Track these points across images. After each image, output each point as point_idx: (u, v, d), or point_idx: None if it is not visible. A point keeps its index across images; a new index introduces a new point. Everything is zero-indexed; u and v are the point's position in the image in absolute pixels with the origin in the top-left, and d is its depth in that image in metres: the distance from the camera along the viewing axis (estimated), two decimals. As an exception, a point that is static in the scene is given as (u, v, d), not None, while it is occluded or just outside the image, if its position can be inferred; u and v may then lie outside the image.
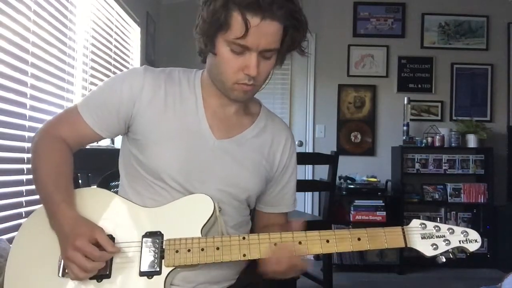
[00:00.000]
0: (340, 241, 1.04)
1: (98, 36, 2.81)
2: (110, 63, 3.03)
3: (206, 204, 1.07)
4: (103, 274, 1.02)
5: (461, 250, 1.07)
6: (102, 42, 2.89)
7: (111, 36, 3.06)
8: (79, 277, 0.98)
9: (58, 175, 1.08)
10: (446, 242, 1.06)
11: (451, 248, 1.06)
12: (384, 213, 3.87)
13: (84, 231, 0.99)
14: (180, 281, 1.08)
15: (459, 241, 1.06)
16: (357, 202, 3.94)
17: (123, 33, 3.35)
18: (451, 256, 1.07)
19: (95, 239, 0.98)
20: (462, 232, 1.06)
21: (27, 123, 1.91)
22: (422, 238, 1.06)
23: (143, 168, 1.12)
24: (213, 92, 1.15)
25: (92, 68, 2.70)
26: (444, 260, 1.06)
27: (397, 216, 3.86)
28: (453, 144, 4.12)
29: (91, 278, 1.01)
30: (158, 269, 1.02)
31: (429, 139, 4.16)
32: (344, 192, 3.98)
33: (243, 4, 0.98)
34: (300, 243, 1.04)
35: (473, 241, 1.06)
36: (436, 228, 1.07)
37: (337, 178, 3.35)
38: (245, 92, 1.09)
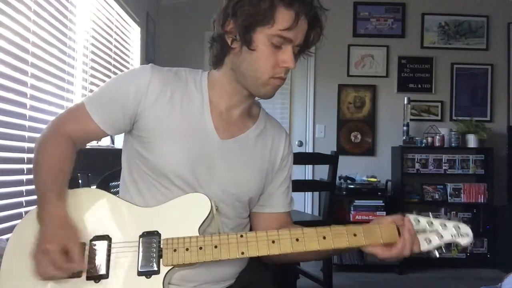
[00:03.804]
0: (337, 237, 1.05)
1: (98, 36, 2.82)
2: (110, 63, 3.04)
3: (203, 203, 1.07)
4: (101, 274, 1.01)
5: (458, 246, 1.09)
6: (102, 42, 2.89)
7: (111, 36, 3.06)
8: (40, 277, 0.97)
9: (58, 171, 1.08)
10: (439, 236, 1.07)
11: (444, 243, 1.07)
12: (384, 213, 3.86)
13: (61, 237, 0.97)
14: (180, 281, 1.07)
15: (451, 235, 1.07)
16: (357, 202, 3.95)
17: (123, 33, 3.35)
18: (444, 251, 1.09)
19: (67, 249, 0.96)
20: (454, 227, 1.08)
21: (27, 123, 1.91)
22: (416, 232, 1.07)
23: (147, 165, 1.12)
24: (221, 94, 1.16)
25: (92, 68, 2.71)
26: (437, 254, 1.08)
27: (397, 216, 3.85)
28: (453, 144, 4.12)
29: (88, 279, 1.01)
30: (156, 269, 1.02)
31: (429, 139, 4.16)
32: (344, 192, 3.98)
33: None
34: (297, 240, 1.04)
35: (464, 235, 1.08)
36: (429, 223, 1.09)
37: (337, 178, 3.34)
38: (275, 88, 1.12)
